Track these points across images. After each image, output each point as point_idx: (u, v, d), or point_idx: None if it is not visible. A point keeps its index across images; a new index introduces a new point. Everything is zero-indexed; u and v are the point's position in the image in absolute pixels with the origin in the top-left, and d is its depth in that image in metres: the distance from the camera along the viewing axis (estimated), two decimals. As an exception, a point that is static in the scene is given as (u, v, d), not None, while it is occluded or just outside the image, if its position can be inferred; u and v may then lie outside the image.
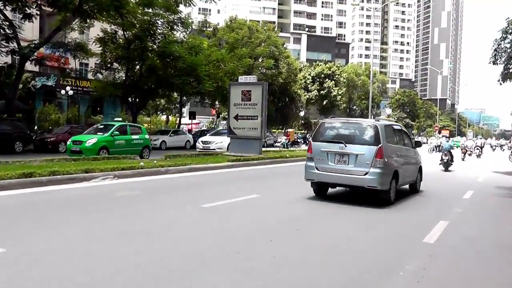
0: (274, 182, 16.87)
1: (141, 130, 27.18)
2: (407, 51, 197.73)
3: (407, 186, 15.25)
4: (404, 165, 13.71)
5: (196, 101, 63.89)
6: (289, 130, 57.07)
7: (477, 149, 45.93)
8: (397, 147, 13.42)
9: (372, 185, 12.04)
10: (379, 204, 12.29)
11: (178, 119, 53.71)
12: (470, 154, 44.08)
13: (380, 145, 12.12)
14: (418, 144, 15.58)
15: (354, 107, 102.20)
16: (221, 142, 33.96)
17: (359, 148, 12.23)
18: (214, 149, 33.22)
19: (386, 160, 12.22)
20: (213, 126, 69.84)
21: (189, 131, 52.42)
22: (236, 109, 26.83)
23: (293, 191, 14.16)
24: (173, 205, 11.10)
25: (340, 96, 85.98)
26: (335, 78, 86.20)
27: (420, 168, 15.88)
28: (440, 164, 26.92)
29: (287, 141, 47.19)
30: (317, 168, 12.72)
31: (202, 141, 35.39)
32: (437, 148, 48.33)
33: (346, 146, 12.33)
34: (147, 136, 27.22)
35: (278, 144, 48.60)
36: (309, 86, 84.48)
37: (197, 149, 34.52)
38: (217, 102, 55.71)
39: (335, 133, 12.80)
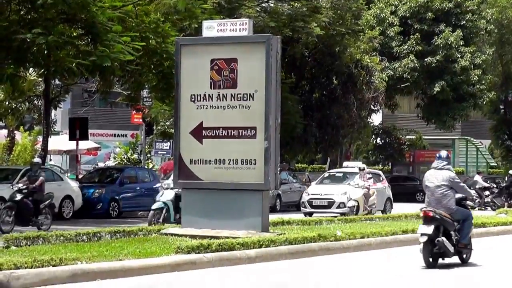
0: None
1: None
2: None
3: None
4: None
5: (90, 91, 31.26)
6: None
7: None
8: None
9: None
10: None
11: (41, 137, 22.51)
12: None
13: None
14: None
15: None
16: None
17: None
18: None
19: None
20: (134, 156, 31.78)
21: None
22: (196, 111, 11.93)
23: None
24: None
25: (479, 71, 35.06)
26: (464, 22, 35.52)
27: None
28: None
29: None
30: None
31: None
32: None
33: None
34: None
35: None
36: (393, 45, 35.27)
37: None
38: (145, 92, 26.80)
39: None
